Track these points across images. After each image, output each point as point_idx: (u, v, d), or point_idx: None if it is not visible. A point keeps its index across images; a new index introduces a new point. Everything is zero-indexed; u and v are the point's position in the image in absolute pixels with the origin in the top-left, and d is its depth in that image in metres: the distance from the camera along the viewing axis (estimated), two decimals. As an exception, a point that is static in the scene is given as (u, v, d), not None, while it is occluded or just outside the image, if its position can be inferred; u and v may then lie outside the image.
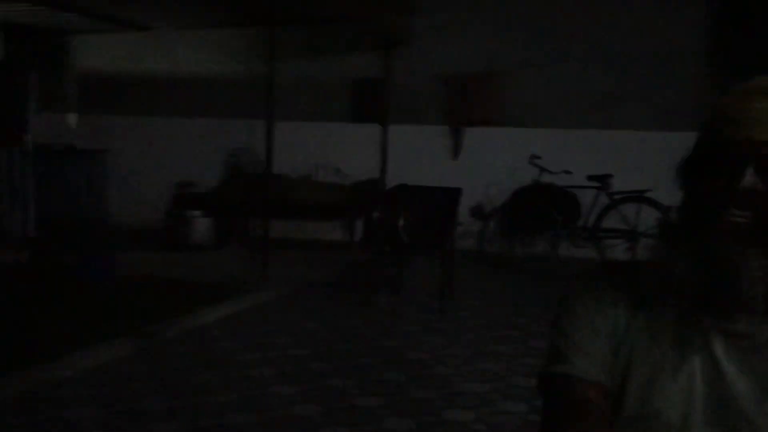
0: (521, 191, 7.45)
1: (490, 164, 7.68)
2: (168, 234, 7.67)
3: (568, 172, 7.16)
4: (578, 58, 7.45)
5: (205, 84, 8.69)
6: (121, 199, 8.50)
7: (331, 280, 6.30)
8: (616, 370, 0.98)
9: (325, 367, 3.90)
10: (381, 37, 7.75)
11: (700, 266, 0.89)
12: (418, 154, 7.93)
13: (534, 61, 7.56)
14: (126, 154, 8.65)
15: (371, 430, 3.05)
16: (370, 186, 7.73)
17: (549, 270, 6.79)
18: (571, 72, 7.51)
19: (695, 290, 0.90)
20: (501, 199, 7.53)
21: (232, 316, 4.94)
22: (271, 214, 6.55)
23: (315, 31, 8.07)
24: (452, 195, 5.81)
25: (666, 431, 0.94)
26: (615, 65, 7.35)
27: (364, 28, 7.82)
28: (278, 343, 4.30)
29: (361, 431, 3.03)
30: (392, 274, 5.87)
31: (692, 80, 6.99)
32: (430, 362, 4.05)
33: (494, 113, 7.75)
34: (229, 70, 8.53)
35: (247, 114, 8.11)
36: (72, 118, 9.39)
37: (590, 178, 7.12)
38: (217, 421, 3.08)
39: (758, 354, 0.92)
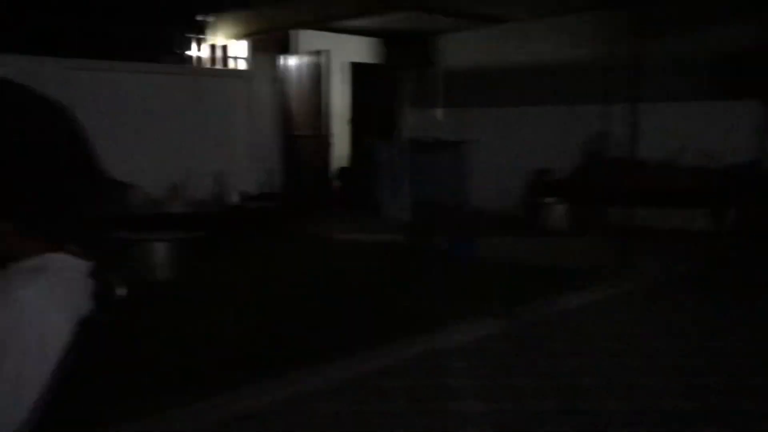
0: None
1: None
2: (525, 220, 7.92)
3: None
4: None
5: (560, 71, 8.72)
6: (481, 186, 9.01)
7: (699, 272, 5.88)
8: None
9: (697, 364, 3.68)
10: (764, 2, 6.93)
11: None
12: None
13: None
14: (486, 144, 9.13)
15: (756, 436, 2.81)
16: (744, 170, 6.99)
17: None
18: None
19: None
20: None
21: (594, 302, 4.93)
22: (631, 201, 6.34)
23: (681, 5, 7.54)
24: None
25: None
26: None
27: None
28: (644, 334, 4.18)
29: (744, 436, 2.81)
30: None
31: None
32: (826, 370, 3.56)
33: None
34: (584, 55, 8.44)
35: (603, 98, 7.95)
36: (438, 113, 10.23)
37: None
38: (587, 404, 3.13)
39: None
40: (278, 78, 9.56)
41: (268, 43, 9.36)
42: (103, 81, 7.43)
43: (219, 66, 9.21)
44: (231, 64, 9.35)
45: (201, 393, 3.17)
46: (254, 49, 9.33)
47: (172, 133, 8.35)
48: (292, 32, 9.42)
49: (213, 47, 9.16)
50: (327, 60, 9.15)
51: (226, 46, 9.24)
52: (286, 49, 9.66)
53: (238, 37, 9.07)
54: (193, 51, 9.05)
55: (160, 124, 8.20)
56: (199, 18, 9.04)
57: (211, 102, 8.81)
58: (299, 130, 9.47)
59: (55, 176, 1.27)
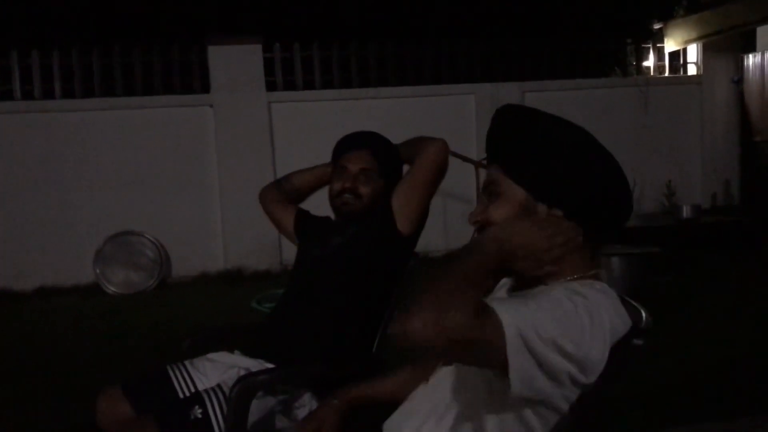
0: None
1: None
2: None
3: None
4: None
5: None
6: None
7: None
8: None
9: None
10: None
11: None
12: None
13: None
14: None
15: None
16: None
17: None
18: None
19: None
20: None
21: None
22: None
23: None
24: None
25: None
26: None
27: None
28: None
29: None
30: None
31: None
32: None
33: None
34: None
35: None
36: None
37: None
38: None
39: None
40: (737, 80, 8.72)
41: (724, 44, 8.60)
42: (553, 100, 7.67)
43: (667, 74, 8.81)
44: (680, 70, 8.87)
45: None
46: (707, 52, 8.68)
47: (619, 145, 8.25)
48: (759, 29, 8.50)
49: (660, 54, 8.81)
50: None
51: (675, 52, 8.80)
52: (745, 48, 8.76)
53: (689, 41, 8.54)
54: (641, 60, 8.83)
55: (604, 139, 8.16)
56: (647, 26, 8.80)
57: (658, 111, 8.47)
58: (763, 135, 8.48)
59: (624, 191, 1.32)
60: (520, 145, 1.35)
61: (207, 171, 7.22)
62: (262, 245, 7.00)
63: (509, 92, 7.69)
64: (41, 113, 6.95)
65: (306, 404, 2.01)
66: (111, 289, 6.75)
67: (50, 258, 6.85)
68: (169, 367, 2.11)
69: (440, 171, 2.24)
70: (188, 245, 7.16)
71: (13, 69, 7.01)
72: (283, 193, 2.49)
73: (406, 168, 2.38)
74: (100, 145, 7.01)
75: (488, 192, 1.37)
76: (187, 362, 2.14)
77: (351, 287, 2.18)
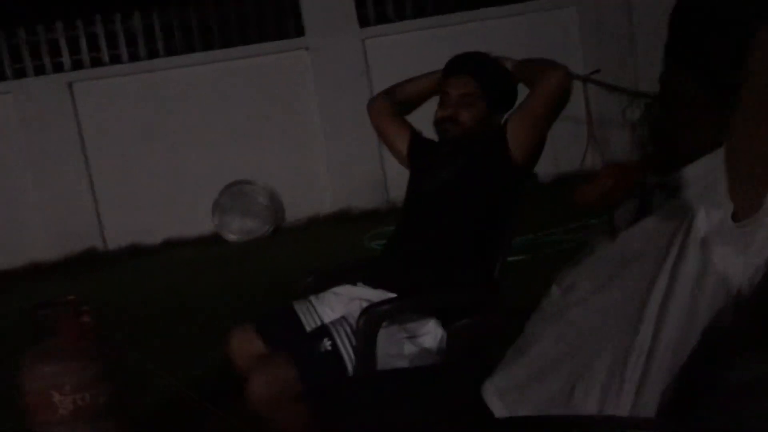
0: None
1: None
2: None
3: None
4: None
5: None
6: None
7: None
8: None
9: None
10: None
11: None
12: None
13: None
14: None
15: None
16: None
17: None
18: None
19: None
20: None
21: None
22: None
23: None
24: None
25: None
26: None
27: None
28: None
29: None
30: None
31: None
32: None
33: None
34: None
35: None
36: None
37: None
38: None
39: None
40: None
41: None
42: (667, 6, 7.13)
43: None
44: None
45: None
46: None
47: None
48: None
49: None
50: None
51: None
52: None
53: None
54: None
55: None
56: None
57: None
58: None
59: None
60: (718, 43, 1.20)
61: (309, 114, 7.28)
62: (368, 185, 7.04)
63: (615, 0, 7.23)
64: (148, 73, 7.20)
65: (431, 331, 2.00)
66: (230, 237, 7.03)
67: (173, 212, 7.18)
68: (295, 303, 2.16)
69: (561, 102, 2.14)
70: (297, 190, 7.31)
71: (119, 33, 7.27)
72: (395, 104, 2.44)
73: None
74: (204, 99, 7.20)
75: (671, 98, 1.25)
76: (312, 297, 2.18)
77: (464, 219, 2.14)
